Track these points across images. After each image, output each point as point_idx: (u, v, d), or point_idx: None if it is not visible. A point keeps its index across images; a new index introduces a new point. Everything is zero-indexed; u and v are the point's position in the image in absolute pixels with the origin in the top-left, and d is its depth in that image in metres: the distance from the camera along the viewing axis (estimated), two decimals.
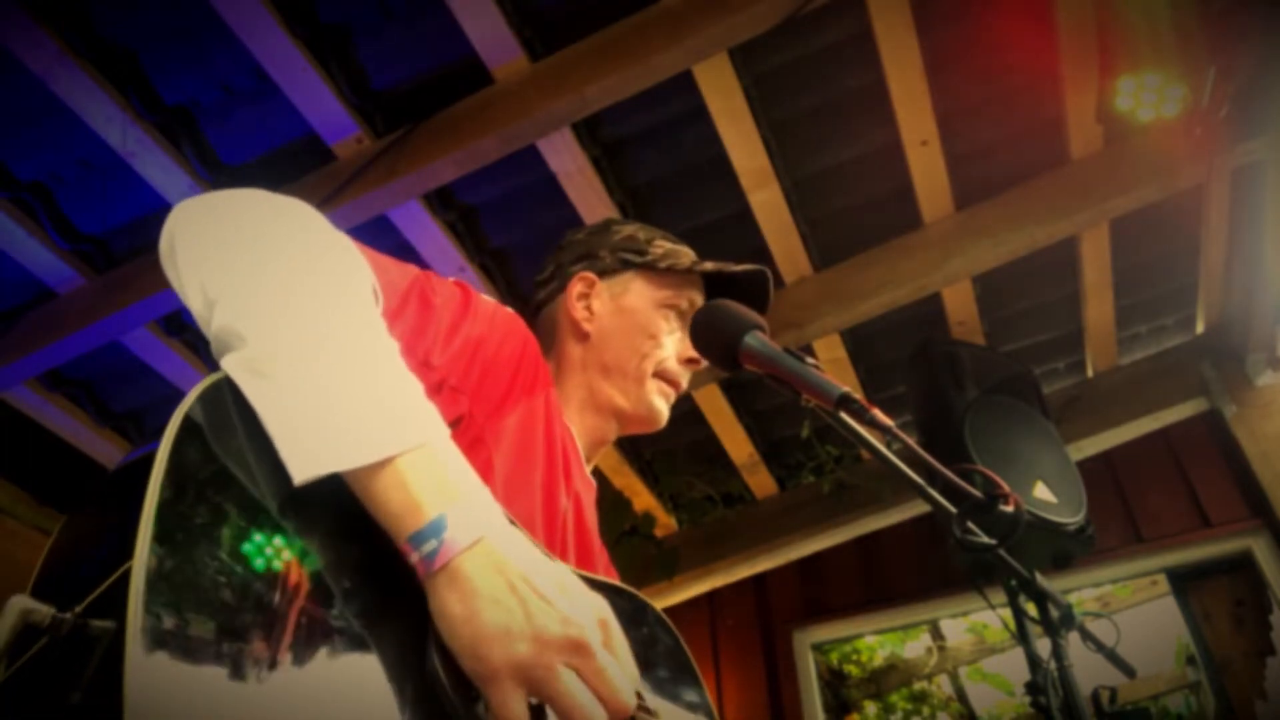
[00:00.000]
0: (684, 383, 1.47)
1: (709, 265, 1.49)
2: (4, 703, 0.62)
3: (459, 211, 2.78)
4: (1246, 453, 3.38)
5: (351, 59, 2.38)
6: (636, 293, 1.47)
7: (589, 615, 0.80)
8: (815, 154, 2.81)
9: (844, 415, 1.09)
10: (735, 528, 3.94)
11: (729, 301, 1.34)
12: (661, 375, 1.42)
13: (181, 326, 2.94)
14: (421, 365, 1.02)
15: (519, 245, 2.93)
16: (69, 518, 0.76)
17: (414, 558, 0.76)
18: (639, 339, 1.42)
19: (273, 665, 0.65)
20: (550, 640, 0.75)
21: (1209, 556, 3.53)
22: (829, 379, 1.10)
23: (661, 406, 1.43)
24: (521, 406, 1.16)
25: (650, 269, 1.48)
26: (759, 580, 4.11)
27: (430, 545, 0.75)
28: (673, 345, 1.45)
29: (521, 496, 1.11)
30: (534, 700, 0.76)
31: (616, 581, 1.15)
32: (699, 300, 1.50)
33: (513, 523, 0.86)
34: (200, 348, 3.00)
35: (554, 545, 1.16)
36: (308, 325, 0.80)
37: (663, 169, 2.77)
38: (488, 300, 1.22)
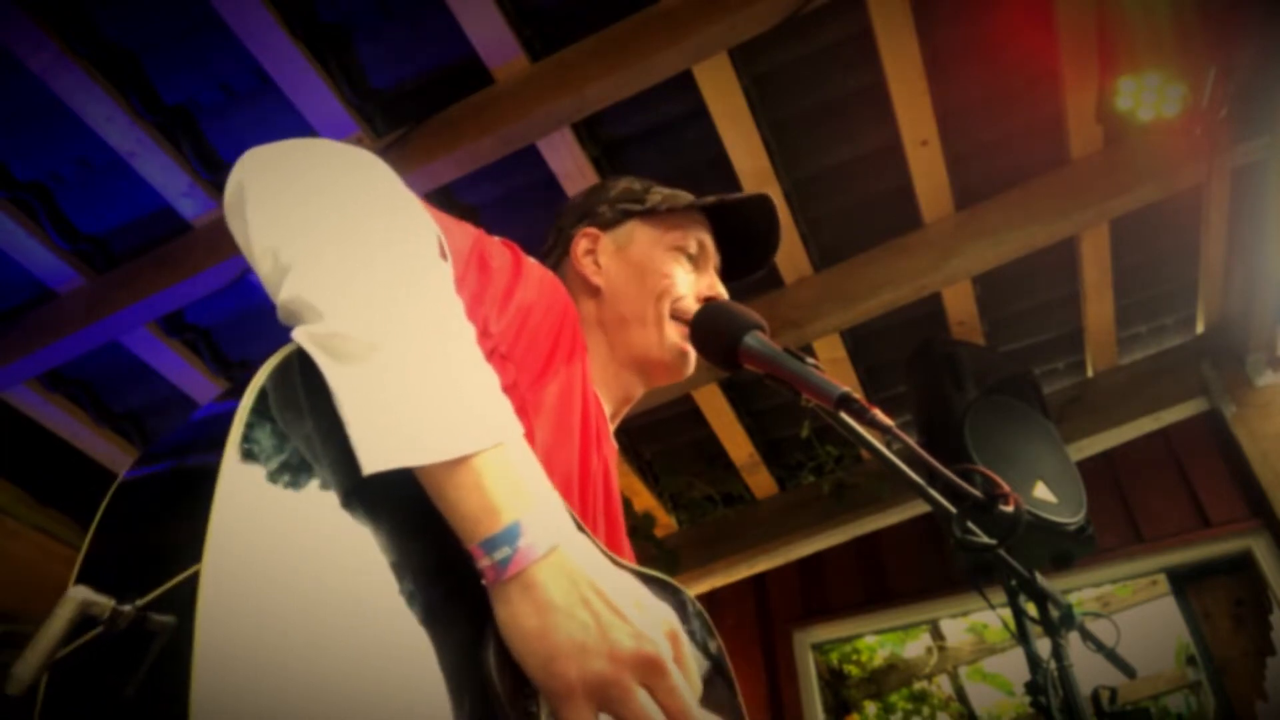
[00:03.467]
0: None
1: (709, 199, 1.45)
2: (55, 691, 0.61)
3: (459, 211, 2.77)
4: (1246, 453, 3.38)
5: (351, 59, 2.38)
6: (641, 239, 1.43)
7: (659, 629, 0.78)
8: (815, 154, 2.81)
9: (844, 415, 1.09)
10: (735, 528, 3.93)
11: (729, 301, 1.34)
12: (678, 317, 1.36)
13: (182, 326, 2.93)
14: (481, 334, 0.99)
15: (519, 245, 2.93)
16: (116, 495, 0.72)
17: (484, 562, 0.73)
18: (651, 283, 1.38)
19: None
20: (625, 657, 0.72)
21: (1209, 556, 3.53)
22: (829, 379, 1.11)
23: (686, 348, 1.36)
24: (561, 375, 1.13)
25: (651, 214, 1.45)
26: (759, 580, 4.11)
27: (503, 552, 0.73)
28: (688, 285, 1.40)
29: (560, 467, 1.09)
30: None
31: (665, 576, 1.14)
32: (707, 240, 1.46)
33: (580, 529, 0.83)
34: (200, 347, 2.99)
35: (587, 514, 1.15)
36: (387, 306, 0.76)
37: (663, 169, 2.77)
38: (534, 263, 1.20)
